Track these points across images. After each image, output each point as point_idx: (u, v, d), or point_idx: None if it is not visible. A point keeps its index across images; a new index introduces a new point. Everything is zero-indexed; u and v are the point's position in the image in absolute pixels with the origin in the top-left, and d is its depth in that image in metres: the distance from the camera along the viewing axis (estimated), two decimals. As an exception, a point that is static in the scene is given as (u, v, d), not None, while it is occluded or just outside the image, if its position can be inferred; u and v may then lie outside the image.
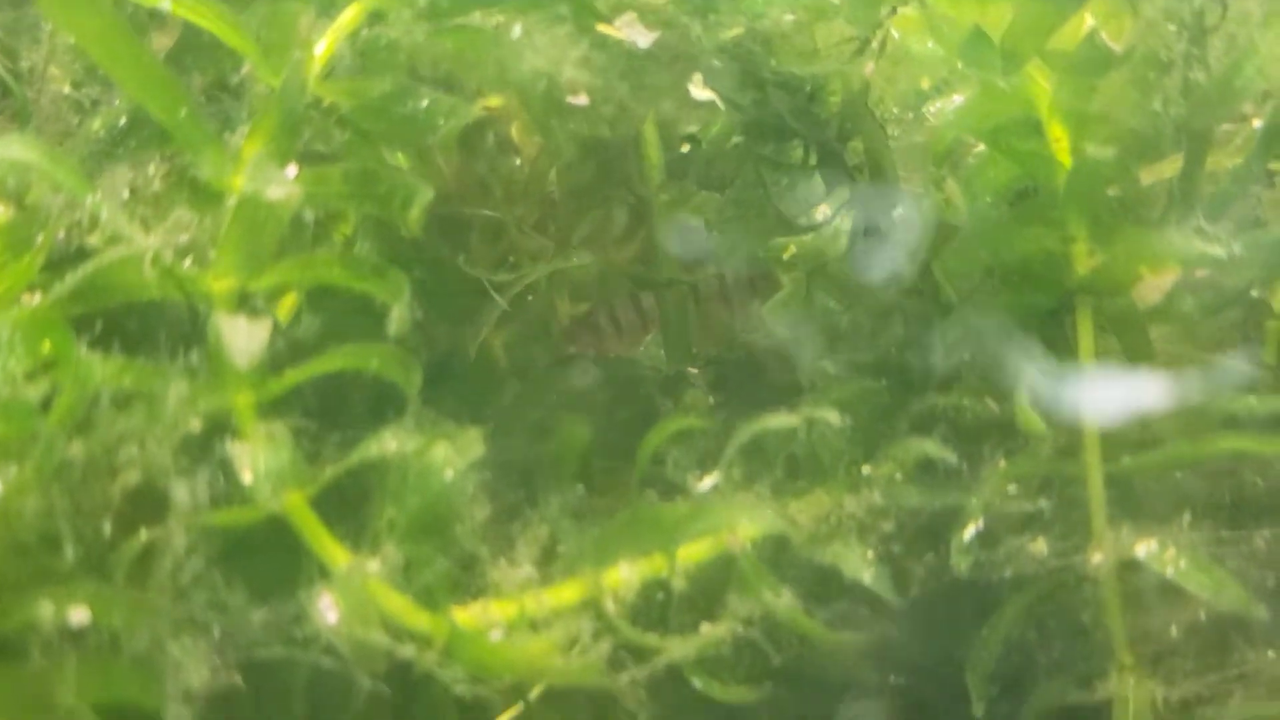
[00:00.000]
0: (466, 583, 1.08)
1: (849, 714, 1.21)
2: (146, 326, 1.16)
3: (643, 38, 1.17)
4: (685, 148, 1.55)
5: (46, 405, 0.98)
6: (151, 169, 1.18)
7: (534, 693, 1.10)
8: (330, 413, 1.15)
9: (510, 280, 1.58)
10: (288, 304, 1.26)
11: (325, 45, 1.15)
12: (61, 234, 1.17)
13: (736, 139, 1.44)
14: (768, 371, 1.49)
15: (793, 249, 1.51)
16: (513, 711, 1.15)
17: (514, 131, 1.61)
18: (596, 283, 1.64)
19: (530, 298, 1.60)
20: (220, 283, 1.09)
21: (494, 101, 1.54)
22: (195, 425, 1.04)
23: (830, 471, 1.16)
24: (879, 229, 1.32)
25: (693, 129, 1.52)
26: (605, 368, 1.59)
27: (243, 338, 1.01)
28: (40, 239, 1.13)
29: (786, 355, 1.51)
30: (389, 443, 1.07)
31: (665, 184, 1.56)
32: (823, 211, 1.39)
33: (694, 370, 1.56)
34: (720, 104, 1.29)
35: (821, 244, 1.43)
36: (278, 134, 1.11)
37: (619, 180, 1.58)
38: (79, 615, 0.92)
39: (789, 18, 1.25)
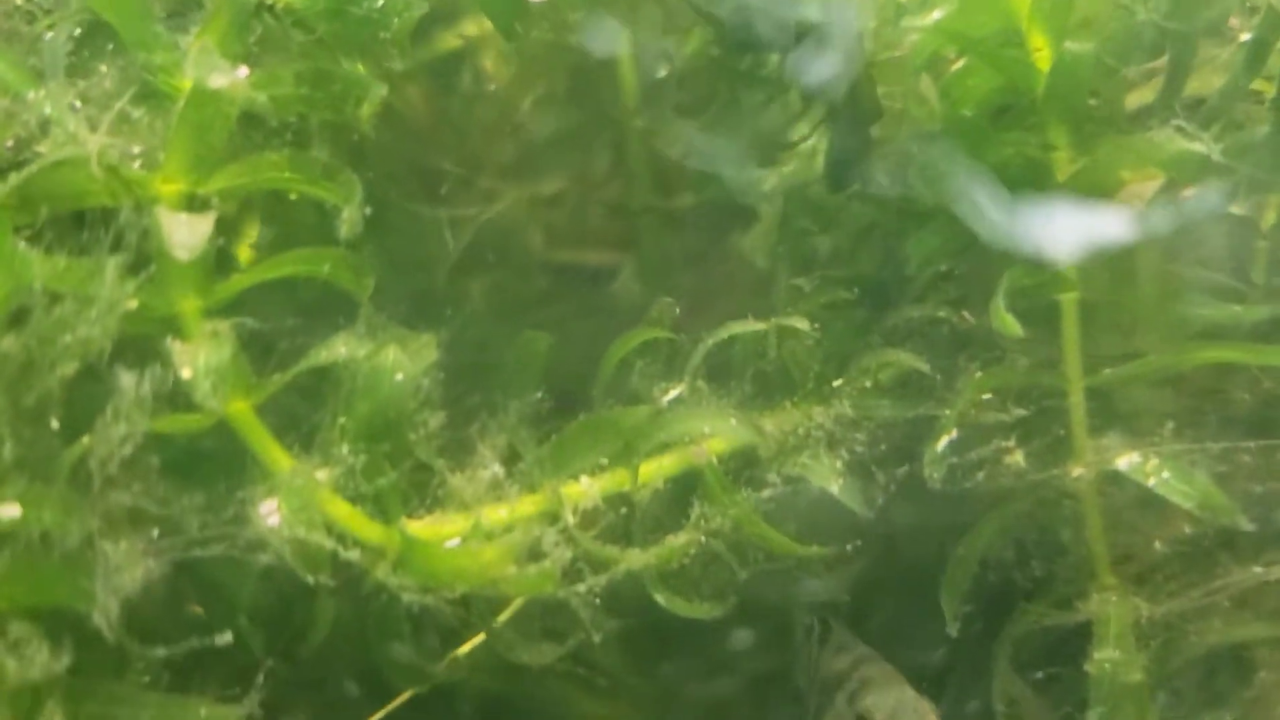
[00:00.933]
0: (420, 492, 1.04)
1: (814, 634, 1.17)
2: (94, 232, 1.13)
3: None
4: (663, 70, 1.51)
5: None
6: (103, 78, 1.15)
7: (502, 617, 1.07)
8: (284, 320, 1.12)
9: (482, 211, 1.54)
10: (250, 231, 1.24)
11: (279, -56, 1.11)
12: (10, 143, 1.14)
13: (712, 53, 1.40)
14: (747, 298, 1.45)
15: (772, 180, 1.47)
16: (478, 639, 1.12)
17: (488, 62, 1.58)
18: (573, 212, 1.60)
19: (505, 230, 1.57)
20: (169, 185, 1.06)
21: (470, 30, 1.50)
22: (141, 327, 1.01)
23: (799, 384, 1.12)
24: (857, 145, 1.28)
25: (667, 48, 1.48)
26: (580, 298, 1.55)
27: (184, 231, 0.97)
28: (-9, 141, 1.10)
29: (765, 281, 1.47)
30: (339, 348, 1.03)
31: (641, 108, 1.52)
32: (799, 129, 1.35)
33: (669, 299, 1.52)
34: (694, 13, 1.25)
35: (798, 166, 1.40)
36: (228, 31, 1.07)
37: (593, 105, 1.54)
38: (7, 510, 0.88)
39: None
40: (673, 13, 1.43)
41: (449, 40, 1.52)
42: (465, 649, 1.15)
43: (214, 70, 1.01)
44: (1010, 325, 1.04)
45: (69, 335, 0.95)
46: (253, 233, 1.20)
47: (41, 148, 1.12)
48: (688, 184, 1.55)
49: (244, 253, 1.19)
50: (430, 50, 1.49)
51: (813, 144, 1.35)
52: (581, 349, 1.48)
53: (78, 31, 1.26)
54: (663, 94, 1.51)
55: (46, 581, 0.88)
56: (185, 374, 0.95)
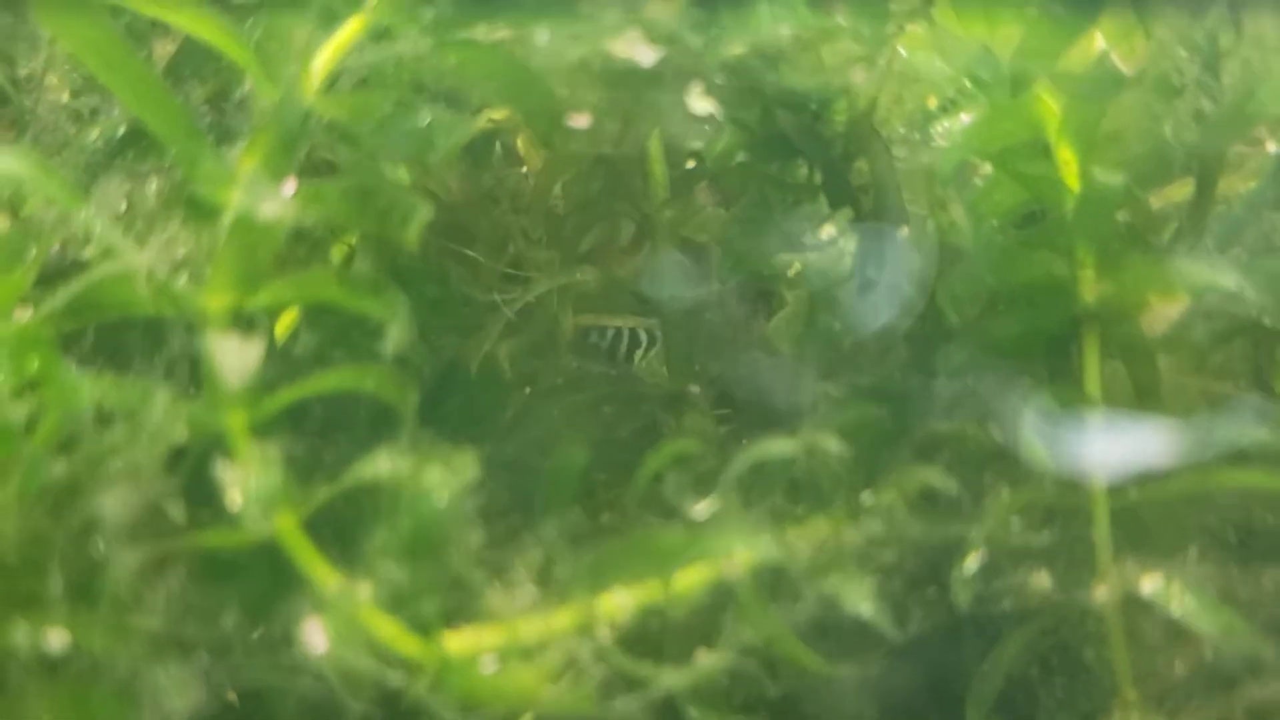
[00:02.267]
0: (459, 608, 1.06)
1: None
2: (139, 344, 1.15)
3: (647, 54, 1.16)
4: (690, 164, 1.54)
5: (33, 424, 0.97)
6: (148, 183, 1.17)
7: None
8: (328, 430, 1.14)
9: (514, 295, 1.57)
10: (287, 320, 1.26)
11: (325, 60, 1.13)
12: (56, 248, 1.16)
13: (741, 157, 1.42)
14: (770, 390, 1.47)
15: (798, 266, 1.50)
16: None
17: (520, 143, 1.60)
18: (599, 297, 1.62)
19: (534, 311, 1.59)
20: (215, 300, 1.08)
21: (499, 113, 1.52)
22: (186, 445, 1.03)
23: (830, 499, 1.14)
24: (883, 253, 1.30)
25: (697, 146, 1.50)
26: (608, 384, 1.58)
27: (235, 357, 0.99)
28: (33, 253, 1.12)
29: (789, 374, 1.49)
30: (382, 464, 1.05)
31: (669, 200, 1.54)
32: (827, 231, 1.37)
33: (695, 389, 1.55)
34: (721, 120, 1.27)
35: (826, 263, 1.42)
36: (275, 149, 1.09)
37: (624, 195, 1.57)
38: (57, 639, 0.90)
39: (793, 35, 1.23)
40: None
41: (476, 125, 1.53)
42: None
43: (262, 197, 1.03)
44: (1039, 454, 1.06)
45: (120, 460, 0.98)
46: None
47: (84, 253, 1.14)
48: (713, 271, 1.58)
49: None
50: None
51: (840, 245, 1.37)
52: (609, 437, 1.51)
53: (122, 130, 1.29)
54: (690, 186, 1.54)
55: (96, 711, 0.89)
56: (235, 499, 0.97)
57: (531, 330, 1.60)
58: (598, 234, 1.62)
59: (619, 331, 1.65)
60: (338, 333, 1.22)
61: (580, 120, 1.17)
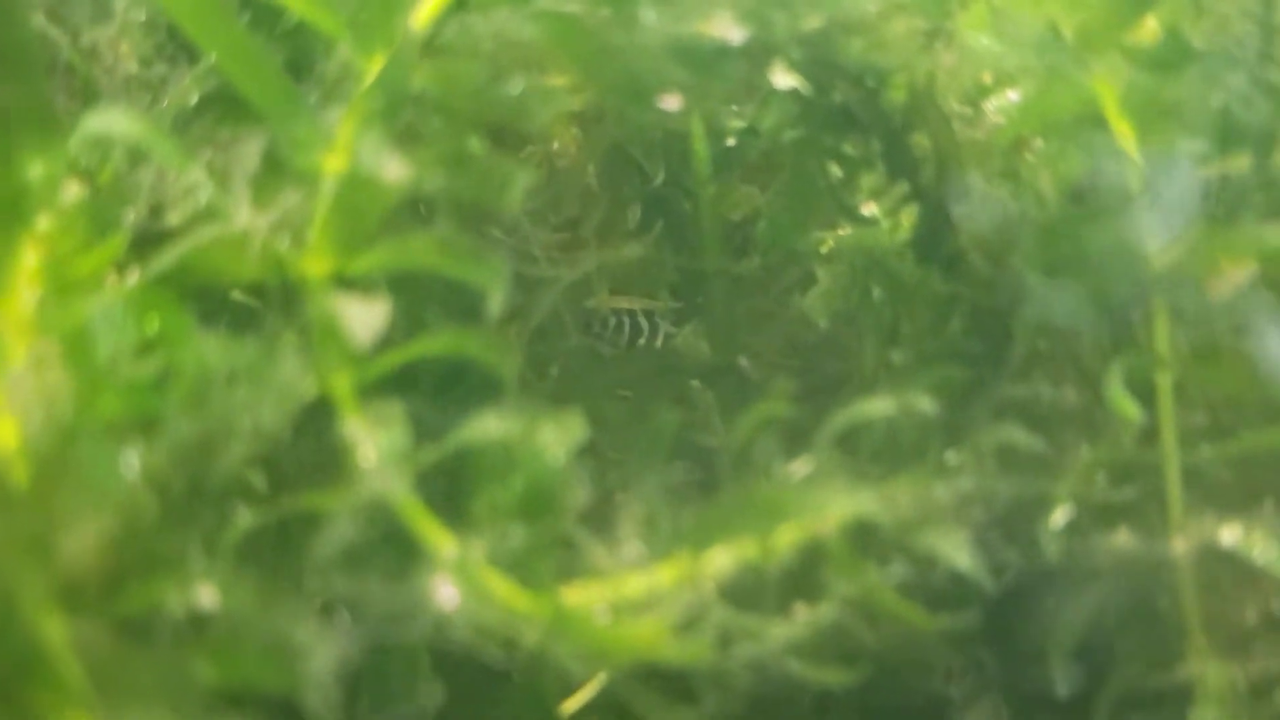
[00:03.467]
0: (568, 565, 1.08)
1: (939, 698, 1.23)
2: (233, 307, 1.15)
3: (734, 31, 1.18)
4: (731, 140, 1.56)
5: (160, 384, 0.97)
6: (231, 150, 1.17)
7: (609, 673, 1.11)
8: (419, 397, 1.15)
9: (554, 275, 1.58)
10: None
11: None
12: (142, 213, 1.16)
13: (793, 132, 1.45)
14: (821, 361, 1.50)
15: (830, 243, 1.53)
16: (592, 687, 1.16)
17: (558, 123, 1.61)
18: (640, 274, 1.64)
19: (574, 289, 1.60)
20: (316, 264, 1.09)
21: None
22: (302, 406, 1.03)
23: (914, 458, 1.17)
24: (942, 222, 1.34)
25: (742, 122, 1.52)
26: (651, 358, 1.60)
27: (363, 317, 1.00)
28: (128, 216, 1.12)
29: (833, 346, 1.53)
30: (493, 424, 1.06)
31: (712, 176, 1.56)
32: (882, 205, 1.41)
33: (744, 361, 1.57)
34: (802, 94, 1.30)
35: (873, 238, 1.45)
36: (377, 113, 1.10)
37: (665, 172, 1.59)
38: (207, 597, 0.90)
39: (867, 9, 1.27)
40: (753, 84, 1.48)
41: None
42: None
43: (380, 156, 1.04)
44: (1130, 410, 1.11)
45: (246, 418, 0.98)
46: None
47: (173, 218, 1.14)
48: (751, 246, 1.61)
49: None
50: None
51: (896, 218, 1.41)
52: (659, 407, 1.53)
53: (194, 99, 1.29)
54: (735, 163, 1.56)
55: (251, 666, 0.90)
56: (367, 457, 0.98)
57: (575, 308, 1.62)
58: (640, 212, 1.63)
59: (642, 312, 1.66)
60: (417, 301, 1.23)
61: (672, 101, 1.19)
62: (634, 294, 1.63)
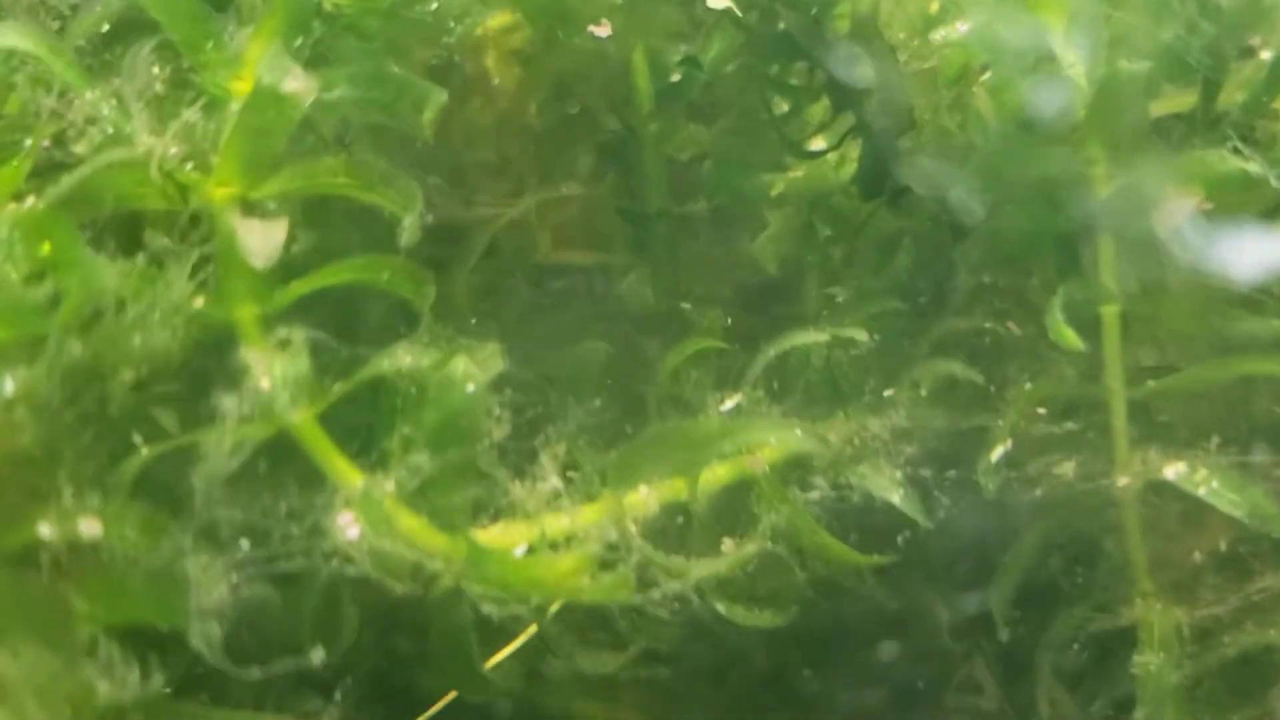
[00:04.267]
0: (485, 504, 1.04)
1: (869, 639, 1.19)
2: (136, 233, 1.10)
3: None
4: (675, 76, 1.51)
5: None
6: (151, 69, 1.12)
7: (551, 610, 1.07)
8: (333, 329, 1.11)
9: (495, 214, 1.54)
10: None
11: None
12: (46, 142, 1.11)
13: (735, 63, 1.40)
14: (765, 305, 1.46)
15: (781, 186, 1.48)
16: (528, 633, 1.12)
17: (489, 62, 1.56)
18: (583, 216, 1.59)
19: (515, 230, 1.56)
20: (222, 189, 1.04)
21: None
22: (201, 333, 0.99)
23: (851, 394, 1.13)
24: (889, 155, 1.29)
25: (684, 54, 1.47)
26: (591, 302, 1.55)
27: (259, 238, 0.95)
28: (29, 143, 1.07)
29: (781, 291, 1.48)
30: (403, 357, 1.02)
31: (655, 113, 1.51)
32: (827, 139, 1.37)
33: (686, 306, 1.52)
34: (735, 14, 1.25)
35: (820, 175, 1.41)
36: (284, 33, 1.05)
37: (606, 109, 1.54)
38: (90, 527, 0.86)
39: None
40: (696, 18, 1.43)
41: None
42: (508, 652, 1.15)
43: (284, 73, 0.99)
44: (1070, 339, 1.06)
45: (136, 340, 0.93)
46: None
47: (78, 148, 1.09)
48: (699, 188, 1.56)
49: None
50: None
51: (839, 153, 1.36)
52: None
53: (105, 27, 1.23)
54: (677, 99, 1.51)
55: (135, 600, 0.86)
56: (264, 384, 0.93)
57: (513, 250, 1.57)
58: (578, 152, 1.58)
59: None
60: (335, 232, 1.18)
61: (603, 29, 1.15)
62: (576, 237, 1.58)
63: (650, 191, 1.56)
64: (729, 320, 1.39)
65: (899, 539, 1.11)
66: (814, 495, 1.08)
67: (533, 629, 1.14)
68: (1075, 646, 1.16)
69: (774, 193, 1.49)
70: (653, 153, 1.54)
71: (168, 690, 0.86)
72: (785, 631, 1.07)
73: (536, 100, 1.57)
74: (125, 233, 1.06)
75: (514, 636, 1.12)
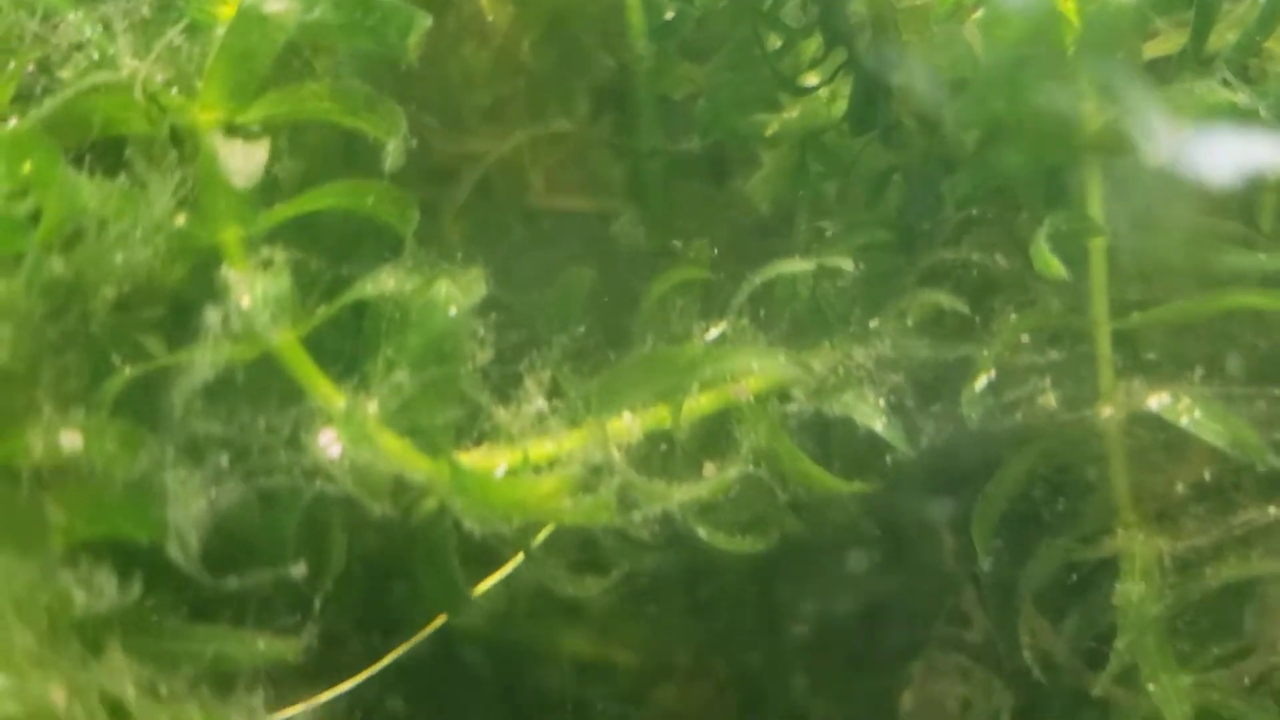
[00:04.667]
0: (468, 427, 1.04)
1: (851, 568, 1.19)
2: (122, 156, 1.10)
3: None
4: (670, 13, 1.50)
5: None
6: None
7: (539, 537, 1.07)
8: (318, 254, 1.11)
9: (486, 152, 1.54)
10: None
11: None
12: (30, 67, 1.11)
13: (727, -1, 1.39)
14: (751, 241, 1.45)
15: (775, 126, 1.48)
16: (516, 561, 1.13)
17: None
18: (575, 154, 1.59)
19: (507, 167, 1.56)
20: (207, 113, 1.04)
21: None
22: (184, 256, 0.99)
23: (837, 324, 1.13)
24: (880, 91, 1.29)
25: (678, -9, 1.46)
26: (583, 241, 1.55)
27: (240, 158, 0.95)
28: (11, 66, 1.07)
29: (774, 227, 1.48)
30: (386, 281, 1.02)
31: (649, 50, 1.51)
32: (819, 74, 1.36)
33: (677, 244, 1.52)
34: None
35: (813, 113, 1.41)
36: (269, -43, 1.05)
37: (600, 47, 1.53)
38: (70, 440, 0.87)
39: None
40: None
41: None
42: (498, 577, 1.16)
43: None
44: (1055, 267, 1.06)
45: (118, 258, 0.94)
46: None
47: (64, 73, 1.09)
48: (693, 128, 1.55)
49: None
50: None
51: (831, 89, 1.36)
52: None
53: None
54: (671, 35, 1.50)
55: (112, 513, 0.86)
56: (244, 303, 0.93)
57: (504, 188, 1.57)
58: (571, 90, 1.58)
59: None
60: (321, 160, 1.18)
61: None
62: (569, 176, 1.58)
63: (644, 130, 1.56)
64: (717, 253, 1.39)
65: (884, 465, 1.11)
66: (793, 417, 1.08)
67: (520, 557, 1.15)
68: (1057, 576, 1.16)
69: (768, 132, 1.48)
70: (647, 91, 1.54)
71: (147, 604, 0.87)
72: (771, 567, 1.07)
73: (530, 38, 1.57)
74: (110, 159, 1.07)
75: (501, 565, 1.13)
